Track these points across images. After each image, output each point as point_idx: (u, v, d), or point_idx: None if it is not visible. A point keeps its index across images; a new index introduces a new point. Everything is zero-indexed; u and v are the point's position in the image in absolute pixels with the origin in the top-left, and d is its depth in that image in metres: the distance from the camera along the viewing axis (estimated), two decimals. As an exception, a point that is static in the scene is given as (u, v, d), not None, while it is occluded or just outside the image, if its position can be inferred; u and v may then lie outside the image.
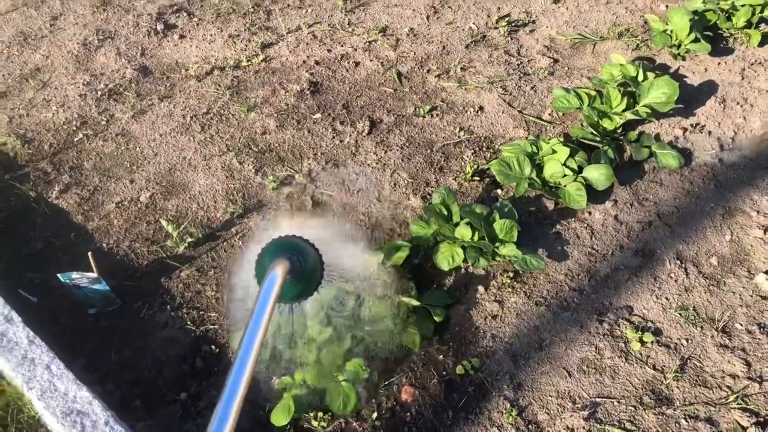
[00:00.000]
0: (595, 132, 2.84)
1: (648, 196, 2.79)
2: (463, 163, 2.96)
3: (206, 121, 3.18)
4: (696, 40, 3.35)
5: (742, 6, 3.51)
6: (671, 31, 3.41)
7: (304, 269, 1.05)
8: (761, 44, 3.50)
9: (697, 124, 3.08)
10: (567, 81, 3.36)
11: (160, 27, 3.75)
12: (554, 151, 2.74)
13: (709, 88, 3.26)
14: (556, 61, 3.50)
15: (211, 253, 2.65)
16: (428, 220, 2.58)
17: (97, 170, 2.98)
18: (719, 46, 3.52)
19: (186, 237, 2.67)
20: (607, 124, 2.90)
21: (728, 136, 3.04)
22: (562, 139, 2.85)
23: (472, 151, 3.02)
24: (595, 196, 2.75)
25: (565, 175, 2.71)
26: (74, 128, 3.17)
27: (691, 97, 3.22)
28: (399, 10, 3.88)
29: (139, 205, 2.83)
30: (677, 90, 2.94)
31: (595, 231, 2.66)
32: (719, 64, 3.40)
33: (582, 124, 3.00)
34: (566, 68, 3.46)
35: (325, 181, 2.89)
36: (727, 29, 3.54)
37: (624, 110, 2.92)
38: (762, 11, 3.52)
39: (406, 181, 2.90)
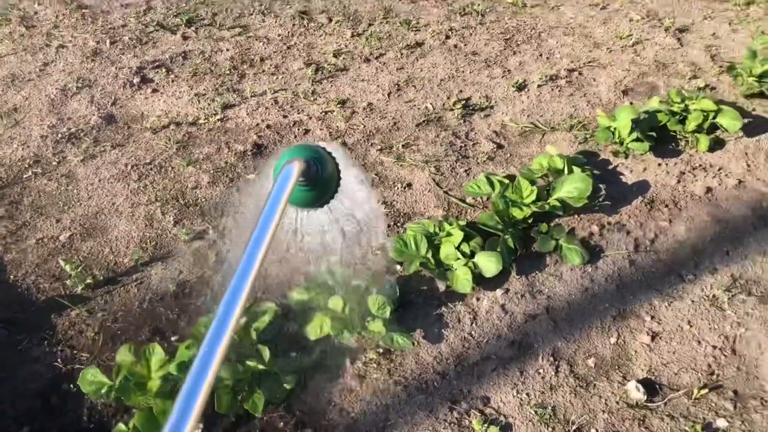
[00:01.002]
0: (499, 220, 2.84)
1: (543, 288, 2.76)
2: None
3: (145, 171, 3.34)
4: (637, 140, 3.34)
5: (695, 110, 3.49)
6: (615, 129, 3.42)
7: (321, 176, 1.04)
8: (710, 149, 3.46)
9: (618, 223, 3.04)
10: (503, 167, 3.39)
11: (136, 80, 3.99)
12: (450, 234, 2.75)
13: (640, 188, 3.23)
14: (500, 147, 3.54)
15: (105, 297, 2.75)
16: (309, 288, 2.62)
17: (33, 207, 3.16)
18: (668, 148, 3.49)
19: (87, 278, 2.78)
20: (516, 213, 2.90)
21: (647, 238, 2.99)
22: (463, 223, 2.86)
23: (387, 225, 3.06)
24: (488, 282, 2.73)
25: (457, 259, 2.71)
26: (27, 166, 3.38)
27: (621, 195, 3.19)
28: (364, 85, 4.01)
29: (56, 244, 2.97)
30: (590, 186, 2.93)
31: (477, 317, 2.64)
32: (660, 165, 3.37)
33: (497, 211, 3.01)
34: (508, 155, 3.49)
35: (234, 239, 2.98)
36: (678, 132, 3.52)
37: (534, 201, 2.92)
38: (714, 117, 3.49)
39: (312, 248, 2.94)
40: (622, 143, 3.39)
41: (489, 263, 2.66)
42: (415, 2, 4.96)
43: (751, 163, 3.41)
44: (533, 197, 2.91)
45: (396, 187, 3.27)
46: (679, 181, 3.26)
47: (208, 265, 2.86)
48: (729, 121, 3.45)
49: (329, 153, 1.08)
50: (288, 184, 0.93)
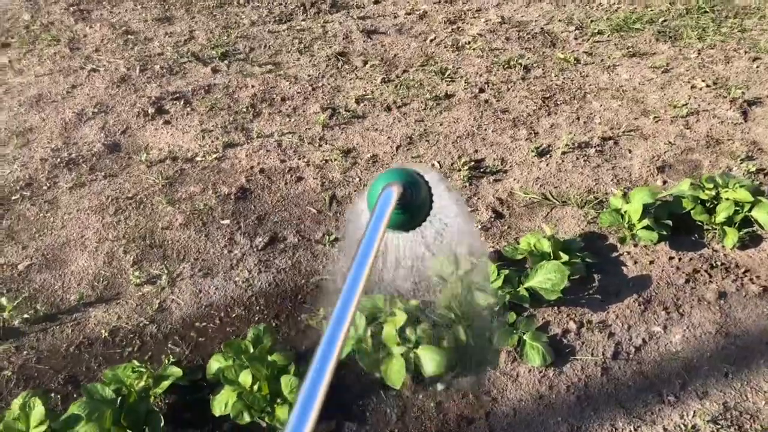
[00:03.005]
0: (457, 306, 2.54)
1: (491, 389, 2.42)
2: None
3: (124, 205, 3.28)
4: (647, 228, 2.94)
5: (726, 199, 3.05)
6: (625, 212, 3.03)
7: (414, 201, 1.06)
8: (741, 247, 3.00)
9: (602, 322, 2.66)
10: (496, 241, 3.08)
11: (151, 110, 3.98)
12: (394, 314, 2.48)
13: (639, 284, 2.82)
14: (500, 217, 3.23)
15: (39, 334, 2.67)
16: (226, 356, 2.42)
17: (7, 231, 3.16)
18: (689, 239, 3.06)
19: (27, 312, 2.72)
20: (482, 300, 2.59)
21: (633, 344, 2.59)
22: (416, 303, 2.58)
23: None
24: (429, 377, 2.43)
25: (398, 345, 2.43)
26: (18, 188, 3.41)
27: (615, 289, 2.80)
28: (375, 135, 3.81)
29: (13, 272, 2.94)
30: (565, 278, 2.57)
31: (406, 414, 2.35)
32: (671, 258, 2.95)
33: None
34: (506, 227, 3.17)
35: (183, 288, 2.84)
36: (705, 222, 3.07)
37: (501, 287, 2.59)
38: (750, 209, 3.03)
39: (261, 308, 2.76)
40: (631, 229, 2.99)
41: (431, 361, 2.37)
42: (459, 51, 4.72)
43: (788, 268, 2.92)
44: (500, 283, 2.59)
45: (370, 251, 3.02)
46: (688, 281, 2.83)
47: (147, 314, 2.72)
48: (765, 216, 2.99)
49: (423, 177, 1.10)
50: (388, 208, 0.96)
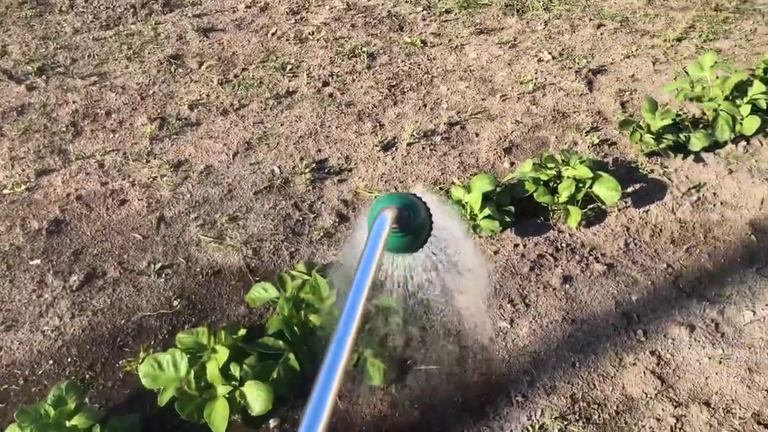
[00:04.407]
0: (288, 331, 2.31)
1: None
2: (155, 344, 2.49)
3: None
4: (489, 217, 2.80)
5: (567, 178, 2.95)
6: (467, 203, 2.89)
7: (413, 223, 1.06)
8: (587, 225, 2.92)
9: (447, 325, 2.51)
10: (338, 249, 2.87)
11: (-48, 141, 3.52)
12: (215, 351, 2.23)
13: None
14: (345, 220, 3.03)
15: None
16: (23, 425, 2.10)
17: None
18: (535, 223, 2.96)
19: None
20: (314, 320, 2.37)
21: (479, 344, 2.44)
22: (243, 332, 2.34)
23: (170, 327, 2.55)
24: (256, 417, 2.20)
25: (223, 384, 2.18)
26: None
27: (461, 288, 2.64)
28: (210, 143, 3.52)
29: None
30: (399, 286, 2.39)
31: (234, 462, 2.11)
32: (516, 245, 2.83)
33: (299, 312, 2.48)
34: (351, 231, 2.97)
35: None
36: (550, 204, 2.97)
37: (336, 305, 2.39)
38: (591, 186, 2.95)
39: (74, 359, 2.44)
40: (474, 219, 2.85)
41: (258, 398, 2.14)
42: (302, 43, 4.47)
43: (632, 241, 2.87)
44: (334, 298, 2.38)
45: (200, 276, 2.76)
46: (533, 268, 2.72)
47: None
48: (606, 191, 2.92)
49: (421, 200, 1.10)
50: (383, 232, 0.96)
